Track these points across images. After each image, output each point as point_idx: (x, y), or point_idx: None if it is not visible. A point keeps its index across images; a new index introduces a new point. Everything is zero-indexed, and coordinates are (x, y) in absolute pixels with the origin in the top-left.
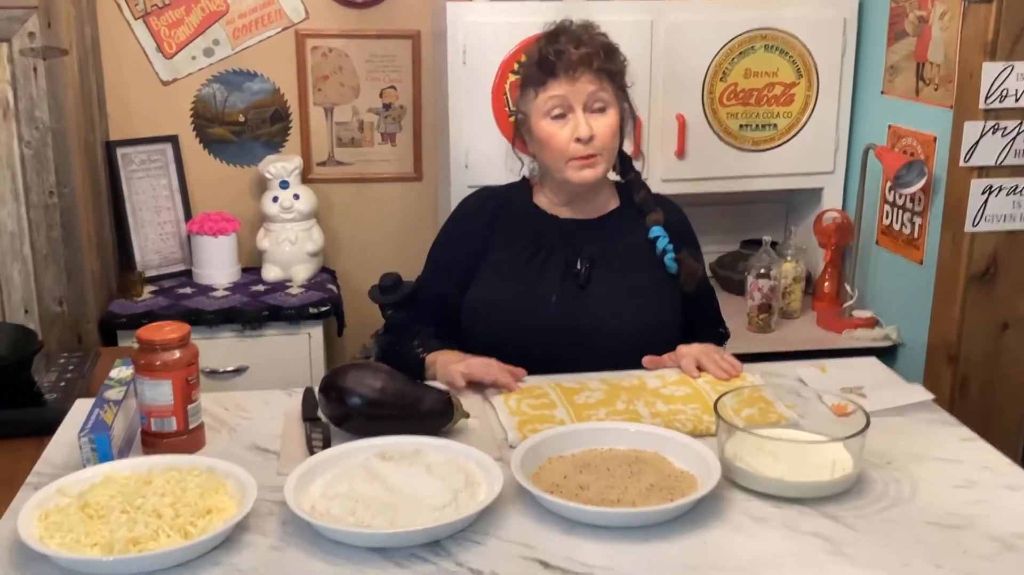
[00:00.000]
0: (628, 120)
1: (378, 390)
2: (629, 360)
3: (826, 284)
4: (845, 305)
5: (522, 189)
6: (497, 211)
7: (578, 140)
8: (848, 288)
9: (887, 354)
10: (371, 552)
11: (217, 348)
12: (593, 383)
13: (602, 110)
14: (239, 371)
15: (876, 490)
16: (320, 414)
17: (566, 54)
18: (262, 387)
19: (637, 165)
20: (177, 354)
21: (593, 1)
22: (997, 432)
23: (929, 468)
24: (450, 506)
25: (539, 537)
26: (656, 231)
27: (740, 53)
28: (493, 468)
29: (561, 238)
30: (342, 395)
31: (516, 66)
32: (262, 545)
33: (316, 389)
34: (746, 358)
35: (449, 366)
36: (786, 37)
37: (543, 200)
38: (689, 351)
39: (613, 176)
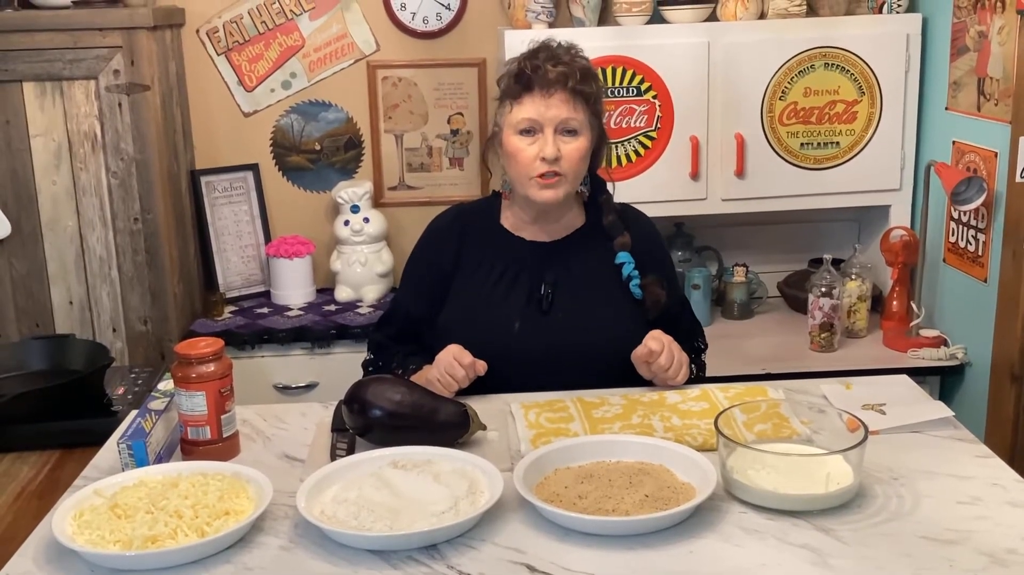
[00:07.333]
0: (602, 145)
1: (396, 402)
2: (594, 383)
3: (894, 303)
4: (912, 324)
5: (491, 206)
6: (465, 231)
7: (543, 159)
8: (915, 307)
9: (954, 374)
10: (371, 554)
11: (289, 365)
12: (614, 398)
13: (572, 133)
14: (310, 387)
15: (876, 504)
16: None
17: (543, 71)
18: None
19: (696, 186)
20: (211, 367)
21: (649, 25)
22: None
23: (936, 484)
24: (449, 512)
25: (532, 543)
26: (622, 257)
27: (799, 72)
28: (496, 477)
29: (526, 261)
30: (364, 407)
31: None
32: (273, 545)
33: None
34: (805, 377)
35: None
36: (847, 55)
37: (510, 219)
38: (660, 337)
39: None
